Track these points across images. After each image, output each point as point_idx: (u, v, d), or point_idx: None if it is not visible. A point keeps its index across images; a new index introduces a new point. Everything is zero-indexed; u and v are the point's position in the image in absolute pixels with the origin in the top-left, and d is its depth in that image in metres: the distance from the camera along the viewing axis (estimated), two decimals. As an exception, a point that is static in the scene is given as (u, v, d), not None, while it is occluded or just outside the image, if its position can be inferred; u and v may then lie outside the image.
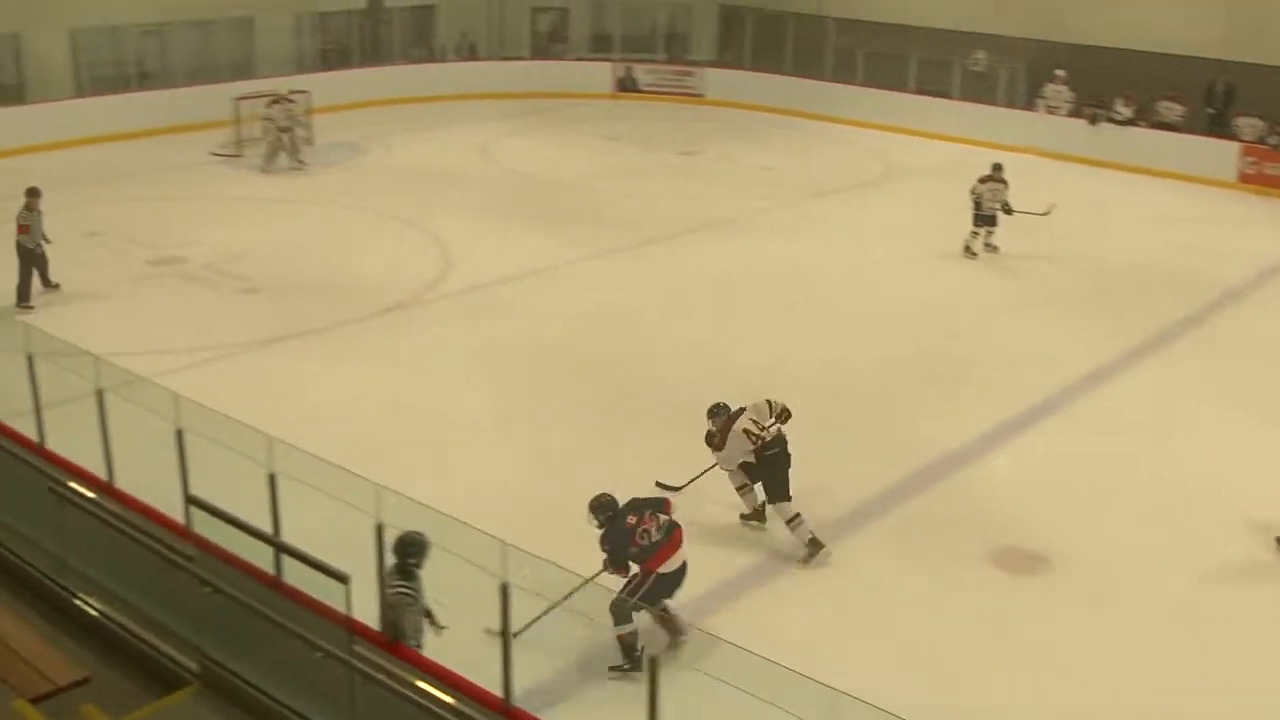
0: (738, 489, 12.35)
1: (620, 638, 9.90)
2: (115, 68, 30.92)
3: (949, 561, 12.00)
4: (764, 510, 12.36)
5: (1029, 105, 31.27)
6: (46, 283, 18.62)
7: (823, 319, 18.51)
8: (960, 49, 32.22)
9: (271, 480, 8.45)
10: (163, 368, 14.87)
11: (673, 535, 10.13)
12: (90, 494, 9.56)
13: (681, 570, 10.11)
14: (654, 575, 9.96)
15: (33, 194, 18.53)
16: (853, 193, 26.40)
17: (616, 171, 27.66)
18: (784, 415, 12.06)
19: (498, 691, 7.28)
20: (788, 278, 20.39)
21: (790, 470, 11.93)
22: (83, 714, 7.66)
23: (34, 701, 7.61)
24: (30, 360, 10.86)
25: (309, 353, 16.96)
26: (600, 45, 38.11)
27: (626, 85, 36.16)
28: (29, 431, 10.84)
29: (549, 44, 38.38)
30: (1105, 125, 29.57)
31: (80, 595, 9.45)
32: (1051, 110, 30.59)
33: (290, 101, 27.25)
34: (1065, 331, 18.21)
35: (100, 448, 9.84)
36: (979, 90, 31.87)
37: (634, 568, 10.07)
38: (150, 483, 9.52)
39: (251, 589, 7.96)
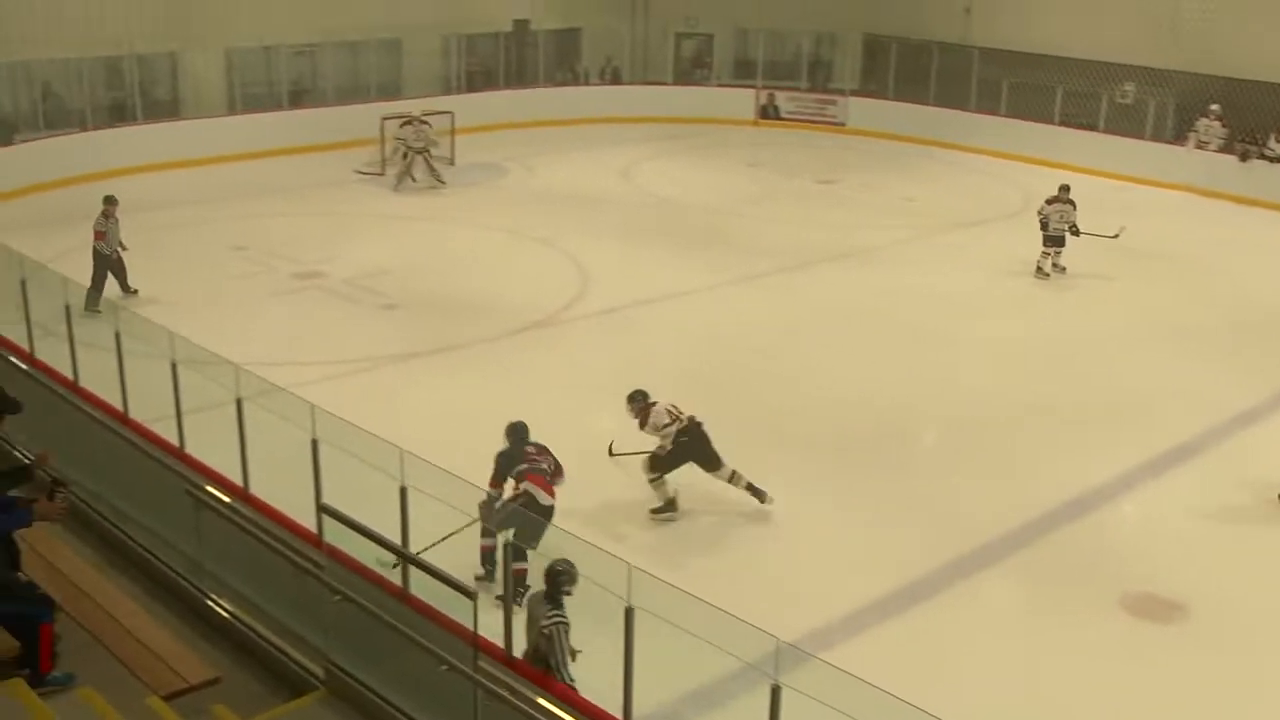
0: (651, 481, 12.98)
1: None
2: (267, 86, 31.72)
3: (1079, 604, 11.73)
4: (676, 502, 12.95)
5: (1178, 140, 30.55)
6: (125, 288, 19.07)
7: (957, 352, 18.23)
8: (1108, 81, 31.65)
9: (402, 493, 8.54)
10: (301, 379, 15.12)
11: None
12: (226, 499, 9.75)
13: None
14: None
15: (110, 202, 19.08)
16: (993, 225, 26.02)
17: (755, 198, 27.62)
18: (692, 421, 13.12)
19: (619, 715, 7.28)
20: (924, 309, 20.11)
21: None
22: (213, 713, 7.79)
23: (167, 699, 7.76)
24: (174, 367, 11.12)
25: (444, 369, 17.15)
26: (743, 71, 38.10)
27: (768, 112, 36.12)
28: (170, 436, 11.09)
29: (692, 69, 38.50)
30: (1257, 162, 28.79)
31: (214, 597, 9.62)
32: (1201, 145, 29.83)
33: (423, 123, 27.74)
34: (1207, 372, 17.72)
35: (238, 454, 10.02)
36: (1126, 123, 31.25)
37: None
38: (284, 490, 9.68)
39: (379, 599, 8.05)
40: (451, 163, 29.08)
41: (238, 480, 10.20)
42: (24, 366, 12.84)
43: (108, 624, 8.49)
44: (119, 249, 19.01)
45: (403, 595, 8.05)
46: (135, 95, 29.01)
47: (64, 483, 7.74)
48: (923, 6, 35.61)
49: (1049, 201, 21.81)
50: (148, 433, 11.51)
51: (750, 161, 31.31)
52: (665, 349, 17.93)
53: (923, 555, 12.34)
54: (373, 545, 7.99)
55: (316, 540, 8.81)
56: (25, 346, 13.88)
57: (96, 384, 12.78)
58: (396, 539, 8.33)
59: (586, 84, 37.15)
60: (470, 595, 7.27)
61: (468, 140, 29.76)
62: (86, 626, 8.36)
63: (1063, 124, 31.88)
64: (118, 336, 12.36)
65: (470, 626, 7.31)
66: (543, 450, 11.79)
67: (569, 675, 8.13)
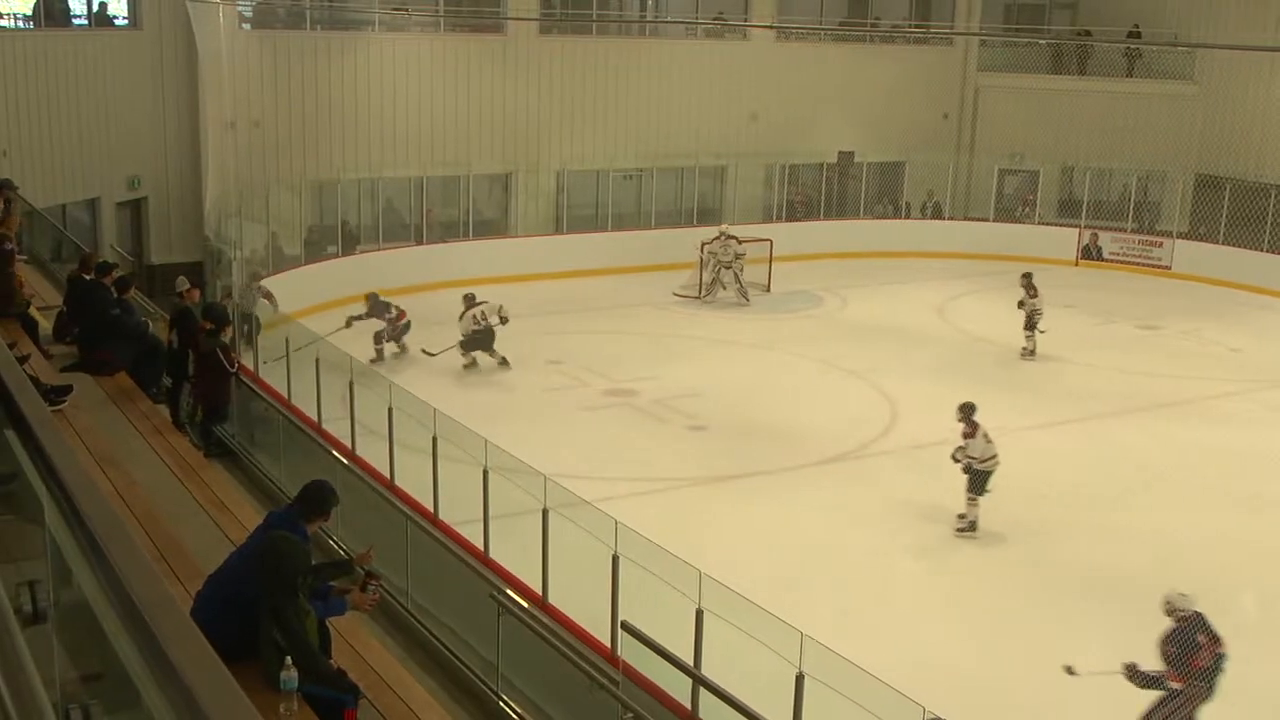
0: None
1: None
2: (593, 208, 32.82)
3: None
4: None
5: None
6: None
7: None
8: None
9: (698, 616, 8.55)
10: (605, 494, 15.35)
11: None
12: (525, 605, 9.94)
13: None
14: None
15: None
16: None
17: (1071, 341, 26.84)
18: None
19: None
20: (1245, 469, 18.95)
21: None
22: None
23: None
24: (485, 474, 11.47)
25: (748, 494, 17.17)
26: (1067, 210, 37.38)
27: (1090, 252, 35.27)
28: (476, 540, 11.42)
29: (1015, 206, 38.00)
30: None
31: (506, 699, 9.78)
32: None
33: (731, 238, 28.52)
34: None
35: (539, 563, 10.23)
36: None
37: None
38: (581, 602, 9.81)
39: (669, 720, 8.04)
40: (768, 289, 29.41)
41: (537, 588, 10.40)
42: (345, 462, 13.45)
43: (405, 716, 8.69)
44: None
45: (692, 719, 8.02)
46: (470, 213, 30.49)
47: (376, 575, 8.03)
48: (1261, 147, 34.29)
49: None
50: (456, 535, 11.89)
51: (1068, 303, 30.48)
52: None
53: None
54: (667, 665, 8.01)
55: (611, 655, 8.88)
56: (348, 444, 14.58)
57: (411, 484, 13.30)
58: (690, 660, 8.33)
59: (907, 218, 37.11)
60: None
61: (785, 268, 30.03)
62: (386, 716, 8.58)
63: None
64: (434, 440, 12.87)
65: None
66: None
67: None
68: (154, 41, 26.29)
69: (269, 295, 22.32)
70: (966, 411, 15.95)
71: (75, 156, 24.12)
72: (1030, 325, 24.80)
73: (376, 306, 22.53)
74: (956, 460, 15.86)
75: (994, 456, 15.75)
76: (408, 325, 22.55)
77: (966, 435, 15.80)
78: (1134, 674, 9.75)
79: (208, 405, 15.36)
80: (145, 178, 26.40)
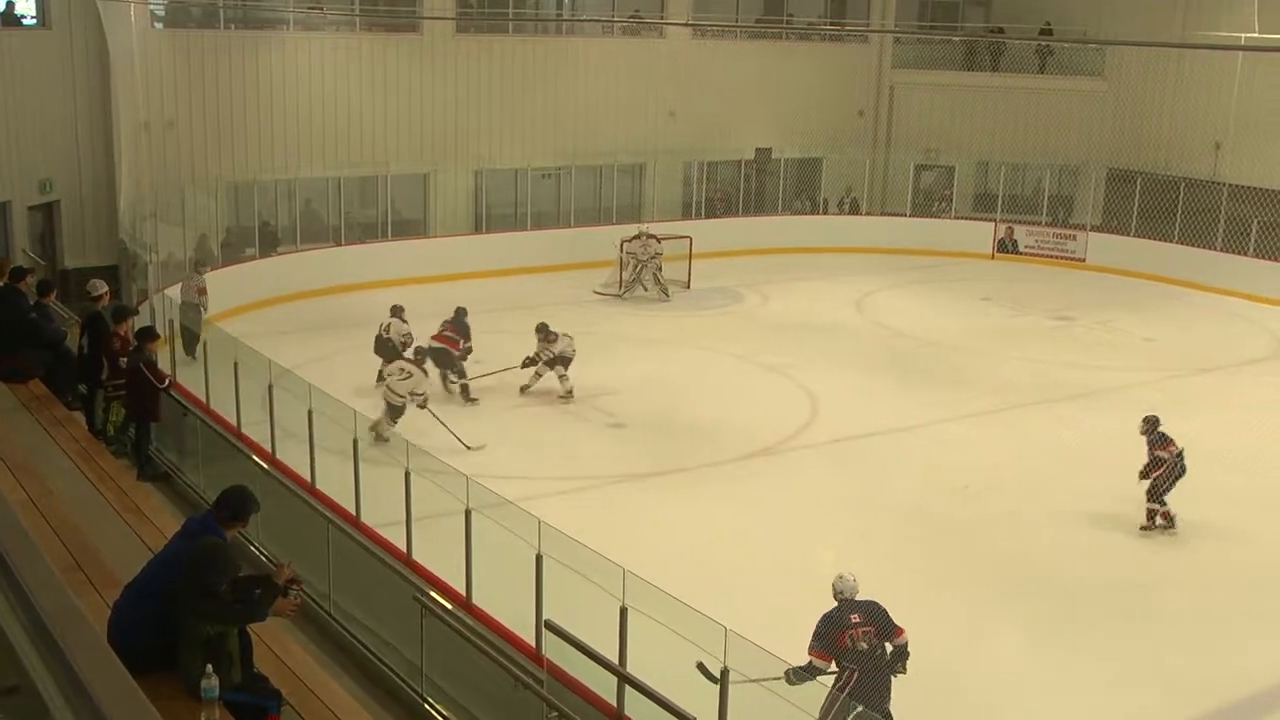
0: None
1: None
2: (512, 207, 32.75)
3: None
4: None
5: None
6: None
7: (1199, 505, 17.37)
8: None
9: (623, 613, 8.56)
10: (528, 493, 15.33)
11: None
12: (449, 606, 9.91)
13: None
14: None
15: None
16: (1239, 370, 25.02)
17: (988, 333, 27.18)
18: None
19: None
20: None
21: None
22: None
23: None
24: (407, 475, 11.42)
25: (670, 491, 17.21)
26: (982, 205, 37.83)
27: (1006, 246, 35.69)
28: (399, 542, 11.36)
29: (930, 202, 38.37)
30: None
31: (432, 701, 9.75)
32: None
33: (651, 237, 28.88)
34: None
35: (463, 564, 10.21)
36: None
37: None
38: (505, 602, 9.80)
39: (595, 719, 8.05)
40: (688, 287, 29.53)
41: (461, 589, 10.38)
42: (265, 466, 13.35)
43: (329, 721, 8.65)
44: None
45: (618, 717, 8.04)
46: (389, 214, 30.36)
47: (297, 580, 7.97)
48: (1170, 141, 34.89)
49: None
50: (377, 537, 11.83)
51: (984, 296, 30.88)
52: (892, 483, 17.68)
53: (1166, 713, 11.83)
54: (592, 664, 8.02)
55: (536, 654, 8.88)
56: (268, 448, 14.45)
57: (333, 487, 13.22)
58: (614, 657, 8.34)
59: (825, 213, 37.37)
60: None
61: (704, 265, 30.15)
62: (309, 723, 8.53)
63: (1319, 267, 30.65)
64: (355, 443, 12.80)
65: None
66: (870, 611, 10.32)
67: None
68: (63, 41, 25.88)
69: (203, 291, 22.14)
70: (1151, 424, 16.33)
71: (-15, 160, 23.73)
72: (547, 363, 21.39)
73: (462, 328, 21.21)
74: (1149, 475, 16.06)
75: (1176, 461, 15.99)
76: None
77: (1158, 448, 16.09)
78: (791, 674, 9.70)
79: (138, 420, 15.21)
80: (57, 180, 25.99)
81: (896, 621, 10.20)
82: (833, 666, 9.86)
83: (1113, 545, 15.70)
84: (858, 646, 9.87)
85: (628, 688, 8.54)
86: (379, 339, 20.68)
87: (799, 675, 9.58)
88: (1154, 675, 12.56)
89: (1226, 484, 17.69)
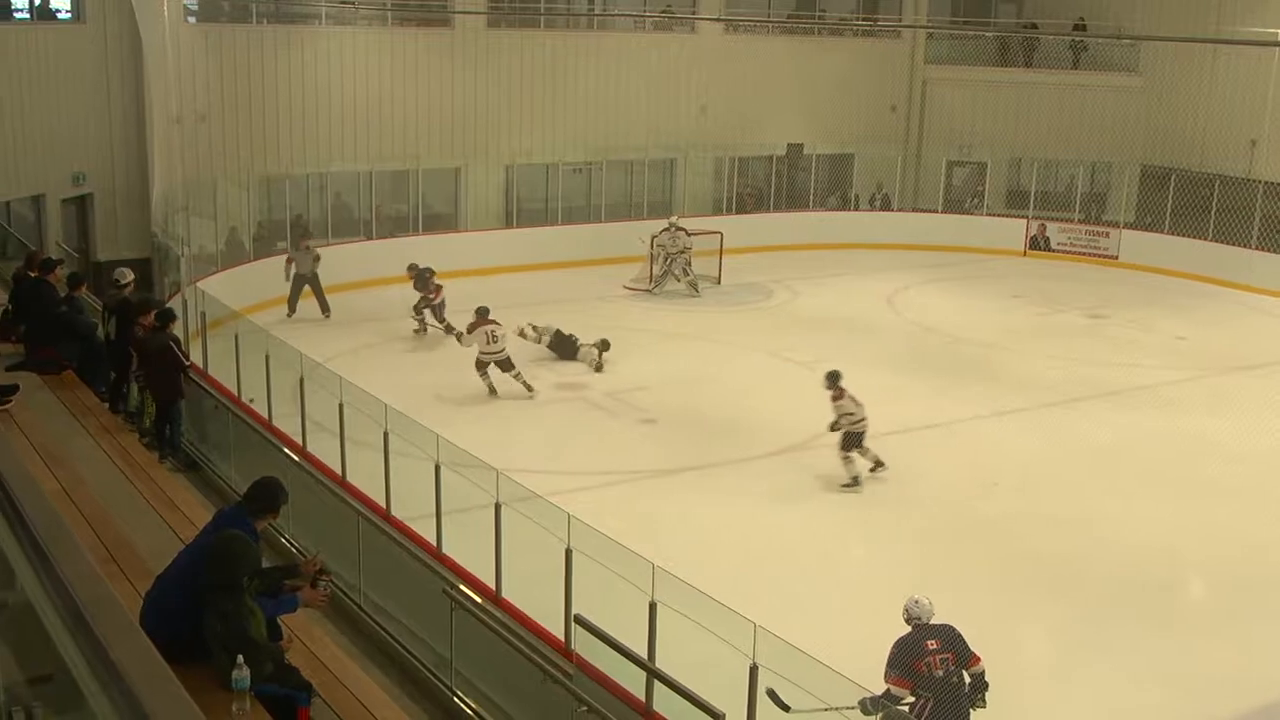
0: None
1: None
2: (542, 202, 32.76)
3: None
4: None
5: None
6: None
7: (1227, 503, 17.26)
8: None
9: (652, 608, 8.54)
10: (557, 487, 15.30)
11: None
12: (479, 600, 9.91)
13: None
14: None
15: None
16: (1273, 369, 24.84)
17: (1020, 330, 27.04)
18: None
19: None
20: (1191, 455, 19.13)
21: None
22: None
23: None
24: (438, 469, 11.43)
25: (699, 486, 17.20)
26: (1015, 202, 37.63)
27: (1038, 243, 35.52)
28: (428, 535, 11.37)
29: (963, 198, 38.21)
30: None
31: (461, 695, 9.76)
32: None
33: (680, 230, 28.75)
34: None
35: (492, 558, 10.20)
36: None
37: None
38: (535, 596, 9.79)
39: (624, 713, 8.03)
40: (718, 282, 29.49)
41: (491, 583, 10.38)
42: (296, 459, 13.38)
43: (359, 713, 8.66)
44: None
45: (646, 712, 8.02)
46: (419, 208, 30.40)
47: (327, 572, 7.99)
48: (1205, 138, 34.61)
49: None
50: (408, 530, 11.84)
51: (1016, 293, 30.72)
52: (925, 480, 17.62)
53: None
54: (621, 658, 8.01)
55: (565, 649, 8.87)
56: (299, 440, 14.49)
57: (363, 480, 13.25)
58: (644, 653, 8.33)
59: (856, 210, 37.25)
60: (717, 717, 7.20)
61: (735, 261, 30.09)
62: (339, 713, 8.54)
63: (1353, 264, 30.36)
64: (385, 436, 12.81)
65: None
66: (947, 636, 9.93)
67: None
68: (98, 35, 25.98)
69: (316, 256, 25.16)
70: (833, 379, 17.53)
71: (19, 153, 23.80)
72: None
73: (421, 280, 24.10)
74: (835, 429, 17.38)
75: (863, 419, 17.31)
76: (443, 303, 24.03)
77: (836, 399, 17.39)
78: (869, 703, 9.44)
79: (160, 401, 15.19)
80: (91, 173, 26.11)
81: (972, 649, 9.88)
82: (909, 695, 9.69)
83: (1143, 544, 15.59)
84: (934, 674, 9.58)
85: (657, 683, 8.53)
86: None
87: (876, 705, 9.38)
88: (1182, 676, 12.47)
89: (1252, 481, 17.59)
